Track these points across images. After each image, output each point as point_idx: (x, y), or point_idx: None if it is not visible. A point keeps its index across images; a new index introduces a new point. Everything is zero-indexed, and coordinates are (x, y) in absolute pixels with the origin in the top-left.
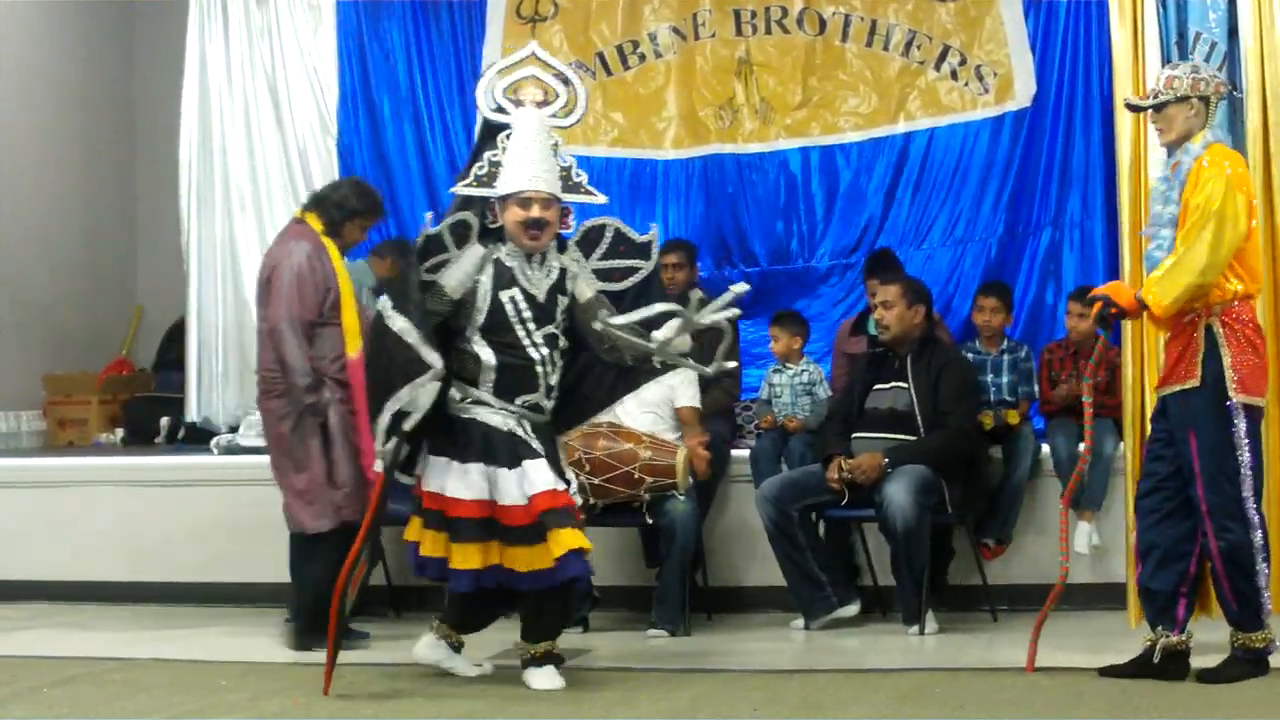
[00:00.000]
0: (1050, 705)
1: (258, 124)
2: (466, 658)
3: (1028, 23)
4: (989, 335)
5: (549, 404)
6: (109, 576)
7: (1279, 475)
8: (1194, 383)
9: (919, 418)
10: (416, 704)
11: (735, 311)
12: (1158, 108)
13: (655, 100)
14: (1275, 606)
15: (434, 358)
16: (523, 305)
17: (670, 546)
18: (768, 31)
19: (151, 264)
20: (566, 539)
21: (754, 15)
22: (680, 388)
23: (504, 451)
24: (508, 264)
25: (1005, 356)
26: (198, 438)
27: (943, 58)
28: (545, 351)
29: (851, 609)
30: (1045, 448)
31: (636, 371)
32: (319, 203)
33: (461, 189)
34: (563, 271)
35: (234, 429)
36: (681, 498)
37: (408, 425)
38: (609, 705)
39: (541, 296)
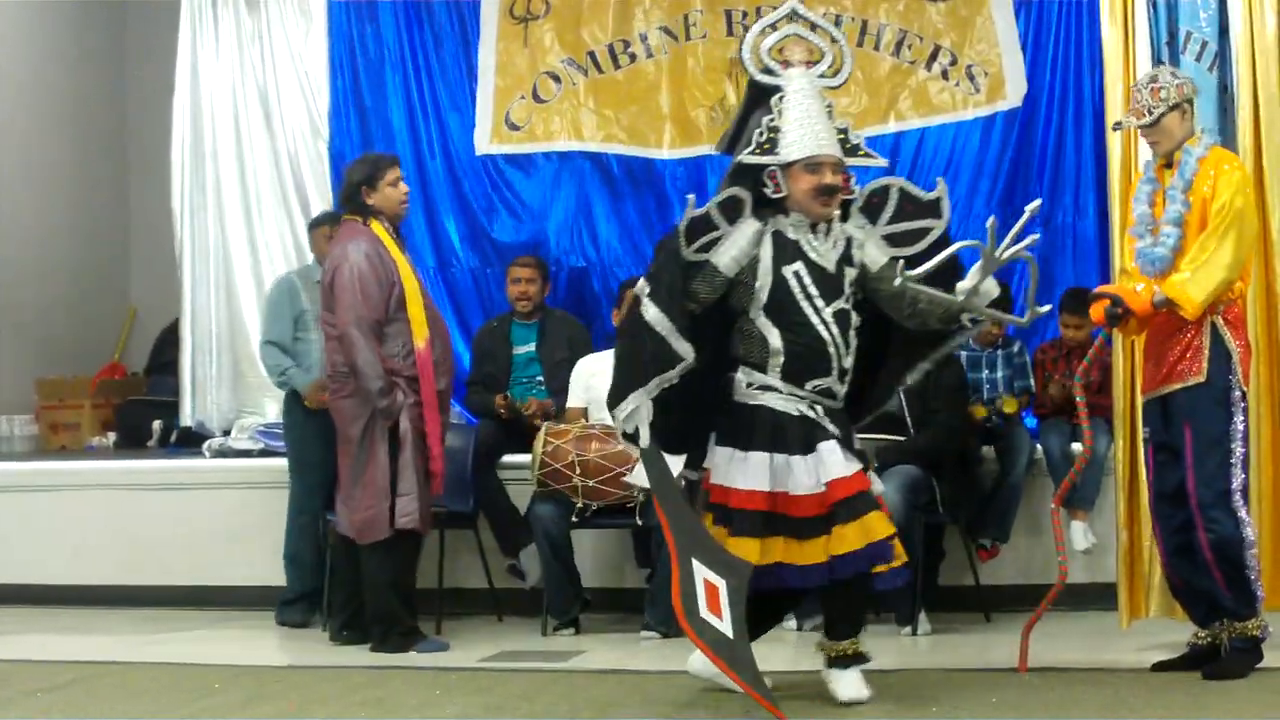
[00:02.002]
0: (1044, 705)
1: (249, 128)
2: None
3: (1019, 22)
4: (986, 340)
5: (843, 389)
6: (102, 580)
7: (1270, 469)
8: (1198, 379)
9: (908, 417)
10: (411, 705)
11: (1034, 236)
12: (1154, 123)
13: (647, 100)
14: (1270, 600)
15: (685, 348)
16: (808, 280)
17: (662, 547)
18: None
19: (145, 267)
20: (851, 536)
21: (745, 15)
22: None
23: (795, 437)
24: (791, 236)
25: (999, 352)
26: (190, 441)
27: (933, 57)
28: (836, 330)
29: None
30: (1039, 447)
31: (919, 345)
32: (345, 202)
33: (745, 157)
34: (849, 240)
35: (227, 432)
36: None
37: (642, 429)
38: (603, 707)
39: (830, 268)
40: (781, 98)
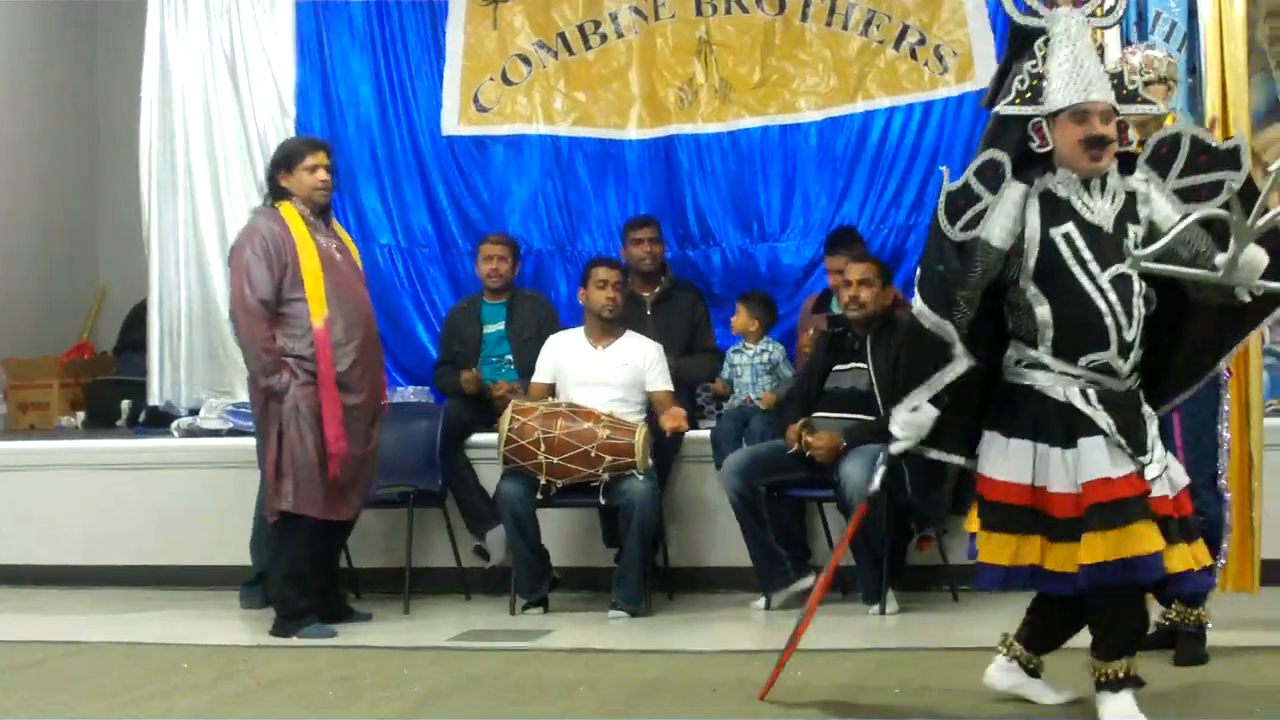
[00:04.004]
0: None
1: (217, 106)
2: (1046, 683)
3: (988, 3)
4: None
5: (1125, 364)
6: (70, 560)
7: (1236, 451)
8: None
9: (879, 398)
10: (377, 684)
11: None
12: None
13: (617, 80)
14: (1232, 583)
15: (958, 344)
16: (1080, 243)
17: (629, 526)
18: (727, 11)
19: (114, 246)
20: (1101, 546)
21: None
22: (651, 371)
23: (1057, 427)
24: (1060, 194)
25: None
26: (159, 421)
27: (902, 37)
28: (1115, 298)
29: (809, 580)
30: None
31: (1242, 317)
32: (266, 184)
33: (1004, 108)
34: (1130, 196)
35: (195, 412)
36: (640, 476)
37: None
38: (570, 686)
39: (1108, 227)
40: (1046, 40)
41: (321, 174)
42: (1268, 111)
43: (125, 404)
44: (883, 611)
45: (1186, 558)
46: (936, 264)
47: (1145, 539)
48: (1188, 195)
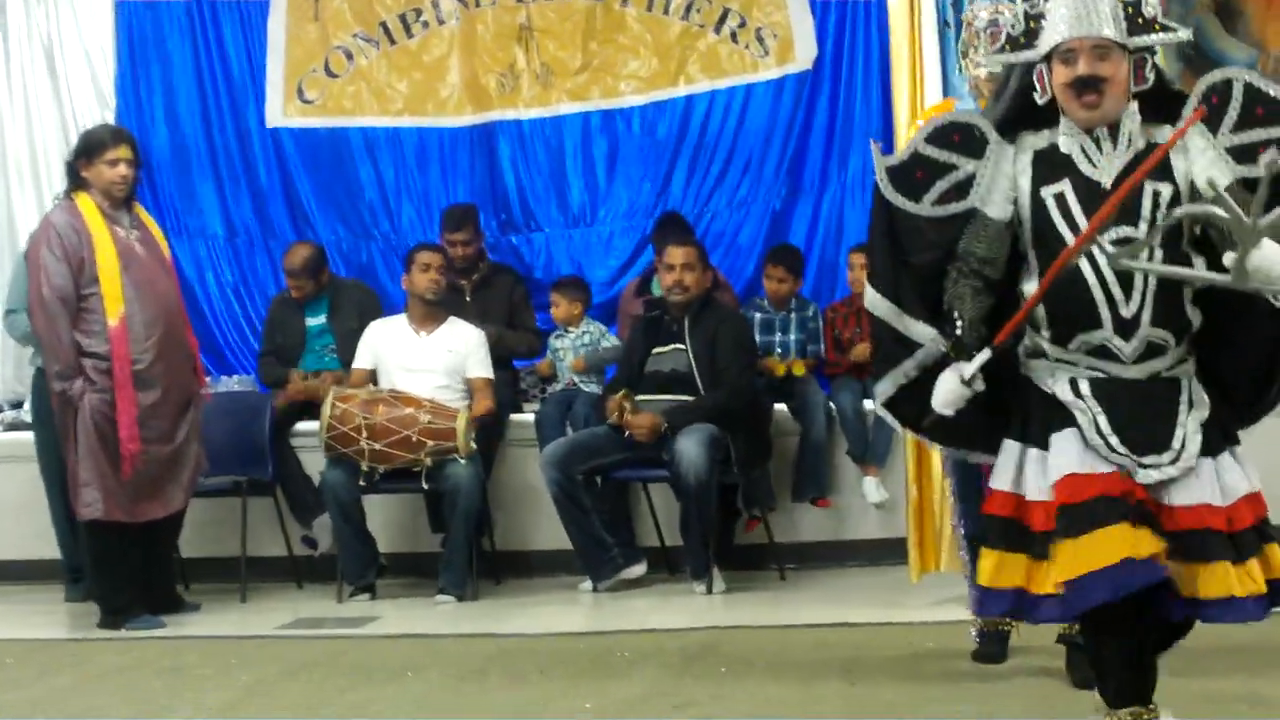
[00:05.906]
0: (838, 660)
1: (35, 97)
2: None
3: None
4: (778, 300)
5: (1127, 345)
6: None
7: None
8: None
9: (698, 378)
10: (205, 674)
11: None
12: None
13: (438, 68)
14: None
15: (920, 329)
16: (1071, 200)
17: (454, 511)
18: None
19: None
20: (1072, 556)
21: None
22: (472, 357)
23: (1038, 424)
24: (1064, 150)
25: (792, 315)
26: None
27: (722, 20)
28: (1106, 266)
29: (638, 569)
30: (832, 405)
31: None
32: (66, 174)
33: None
34: (1155, 148)
35: (16, 405)
36: (463, 461)
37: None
38: (397, 671)
39: (1107, 182)
40: None
41: (122, 169)
42: None
43: None
44: (709, 590)
45: (1227, 580)
46: (878, 243)
47: (1125, 542)
48: (1241, 155)
